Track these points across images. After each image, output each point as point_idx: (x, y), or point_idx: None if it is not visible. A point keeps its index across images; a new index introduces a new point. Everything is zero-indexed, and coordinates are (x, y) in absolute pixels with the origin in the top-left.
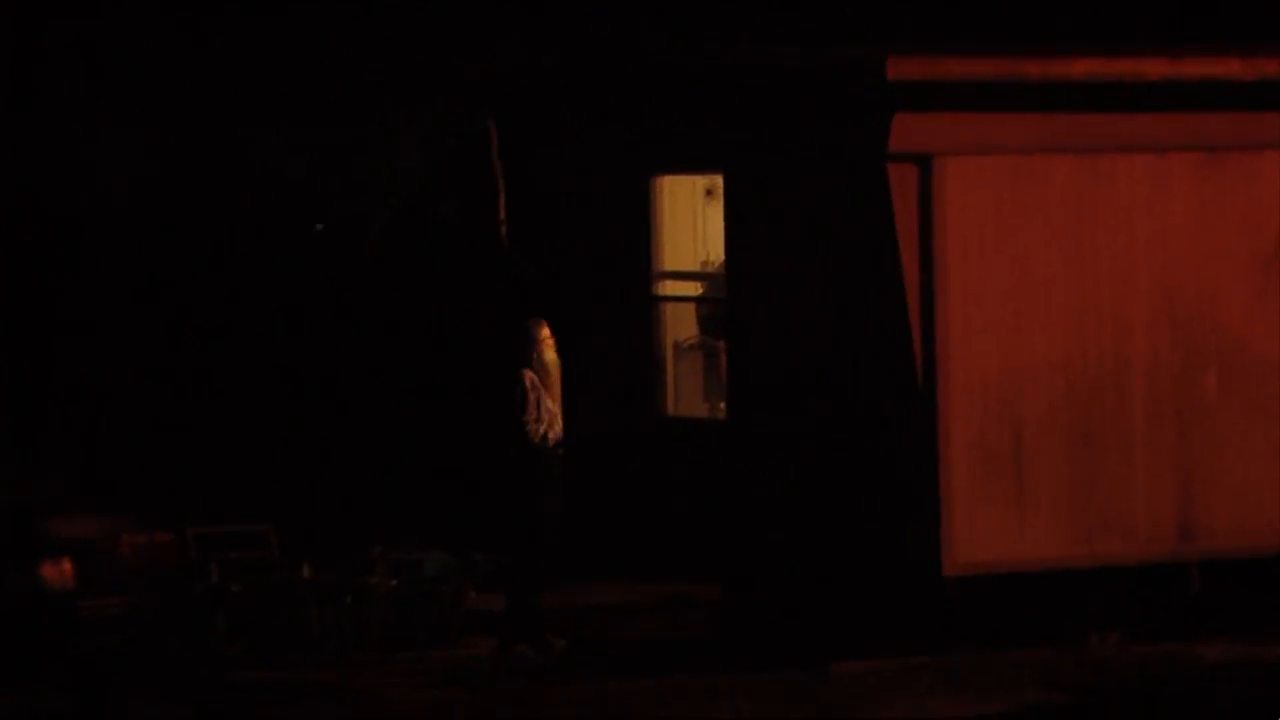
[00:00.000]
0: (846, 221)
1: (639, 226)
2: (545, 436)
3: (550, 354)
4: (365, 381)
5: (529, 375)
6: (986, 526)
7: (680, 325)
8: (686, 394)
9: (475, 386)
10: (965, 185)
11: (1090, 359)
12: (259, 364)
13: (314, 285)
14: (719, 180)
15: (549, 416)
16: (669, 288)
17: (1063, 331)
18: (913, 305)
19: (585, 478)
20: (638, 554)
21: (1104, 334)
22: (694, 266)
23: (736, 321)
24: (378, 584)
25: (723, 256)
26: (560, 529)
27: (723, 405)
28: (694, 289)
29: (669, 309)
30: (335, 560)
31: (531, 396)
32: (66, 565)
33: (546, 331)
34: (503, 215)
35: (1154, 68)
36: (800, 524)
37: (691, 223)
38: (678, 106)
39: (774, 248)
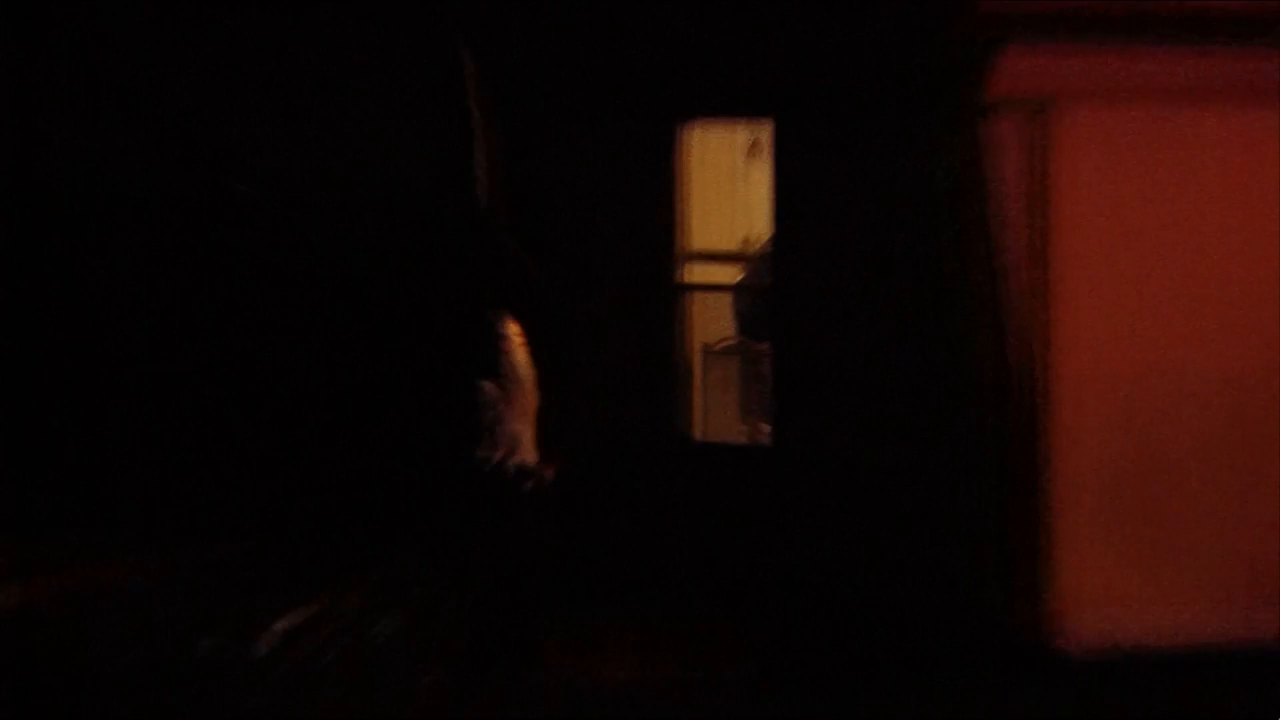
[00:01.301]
0: (931, 187)
1: (659, 192)
2: (504, 465)
3: (521, 357)
4: (276, 388)
5: (487, 387)
6: (1111, 586)
7: (712, 323)
8: (719, 413)
9: (423, 400)
10: (1088, 142)
11: (1252, 370)
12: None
13: (229, 262)
14: (765, 132)
15: (510, 440)
16: (697, 274)
17: (1216, 333)
18: (1016, 295)
19: (584, 524)
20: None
21: (1271, 339)
22: (730, 246)
23: (785, 317)
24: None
25: (768, 233)
26: (526, 604)
27: (766, 428)
28: (730, 275)
29: (697, 302)
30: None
31: (487, 415)
32: None
33: (515, 329)
34: (480, 173)
35: None
36: (862, 580)
37: (728, 188)
38: (713, 32)
39: (836, 220)
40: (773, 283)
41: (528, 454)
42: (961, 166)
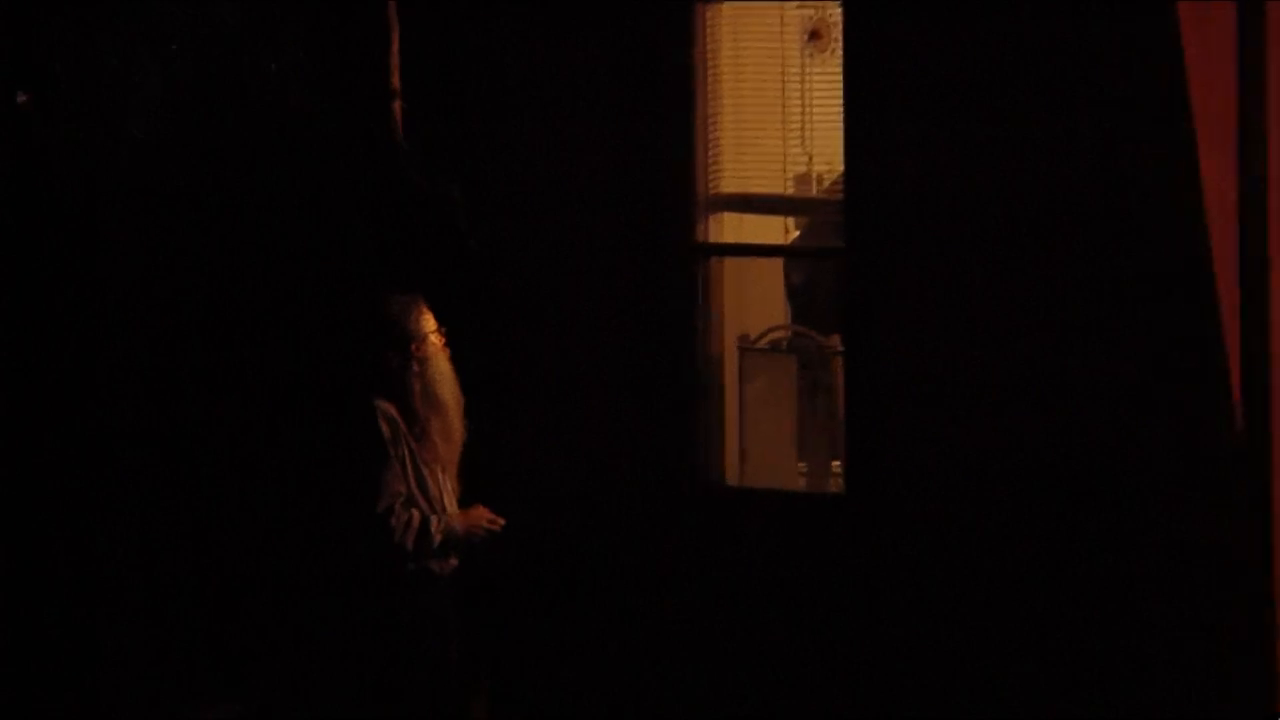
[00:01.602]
0: (1085, 94)
1: (669, 104)
2: (420, 538)
3: (440, 367)
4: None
5: (382, 410)
6: None
7: (752, 306)
8: (764, 443)
9: (294, 428)
10: None
11: None
12: None
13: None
14: (832, 12)
15: (397, 490)
16: (728, 228)
17: None
18: (1221, 259)
19: (545, 619)
20: None
21: None
22: (780, 186)
23: (867, 296)
24: None
25: (838, 167)
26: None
27: (837, 465)
28: (780, 230)
29: (728, 272)
30: None
31: (390, 460)
32: None
33: (430, 321)
34: (396, 87)
35: None
36: (983, 670)
37: (776, 97)
38: None
39: (949, 146)
40: (846, 244)
41: (458, 518)
42: (1140, 67)
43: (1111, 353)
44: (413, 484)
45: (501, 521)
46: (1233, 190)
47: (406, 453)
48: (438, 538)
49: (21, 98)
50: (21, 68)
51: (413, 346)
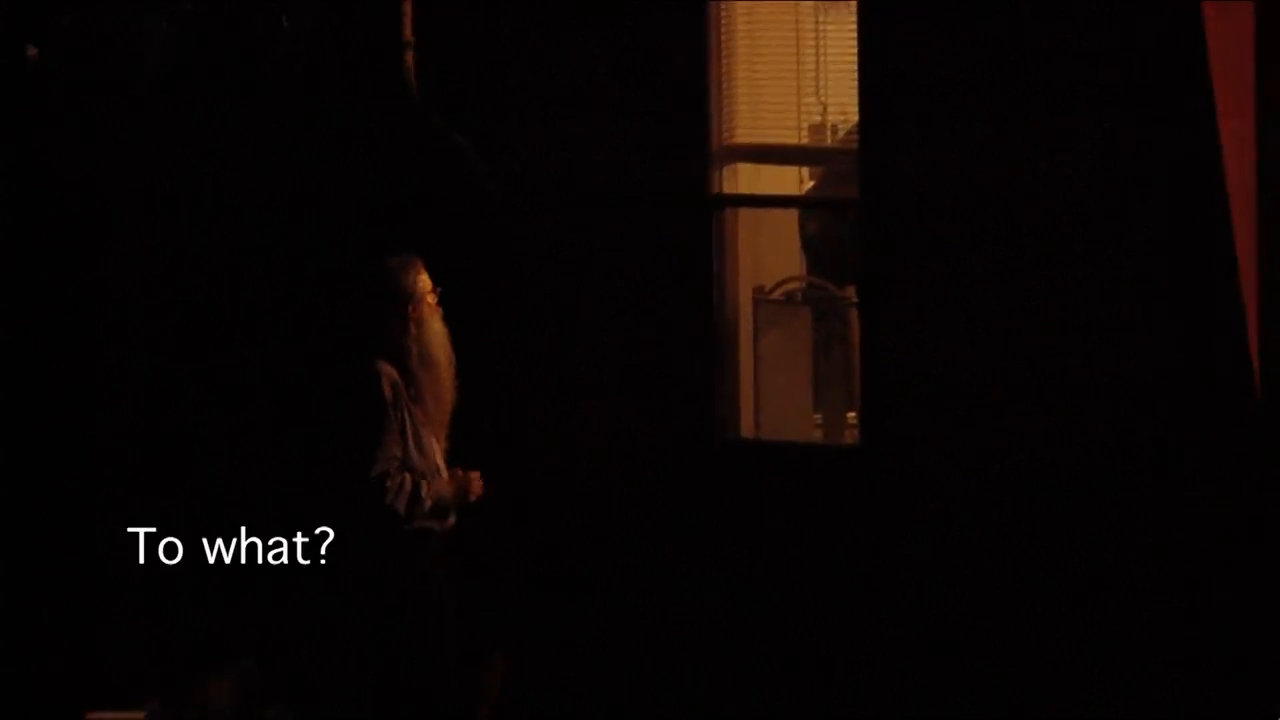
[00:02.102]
0: (1108, 58)
1: (681, 52)
2: (412, 502)
3: (435, 326)
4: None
5: (385, 371)
6: None
7: (767, 256)
8: (779, 396)
9: (295, 393)
10: None
11: None
12: None
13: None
14: None
15: (420, 460)
16: (743, 178)
17: None
18: (1242, 237)
19: (559, 580)
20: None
21: None
22: (795, 138)
23: (882, 248)
24: None
25: (854, 116)
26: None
27: (852, 417)
28: (794, 181)
29: (742, 223)
30: None
31: (390, 422)
32: None
33: (426, 281)
34: (408, 38)
35: None
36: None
37: (791, 46)
38: None
39: (966, 96)
40: (861, 194)
41: (447, 481)
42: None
43: (1134, 316)
44: (411, 446)
45: (481, 485)
46: (1252, 185)
47: (405, 415)
48: (428, 502)
49: (31, 51)
50: (30, 23)
51: (410, 307)
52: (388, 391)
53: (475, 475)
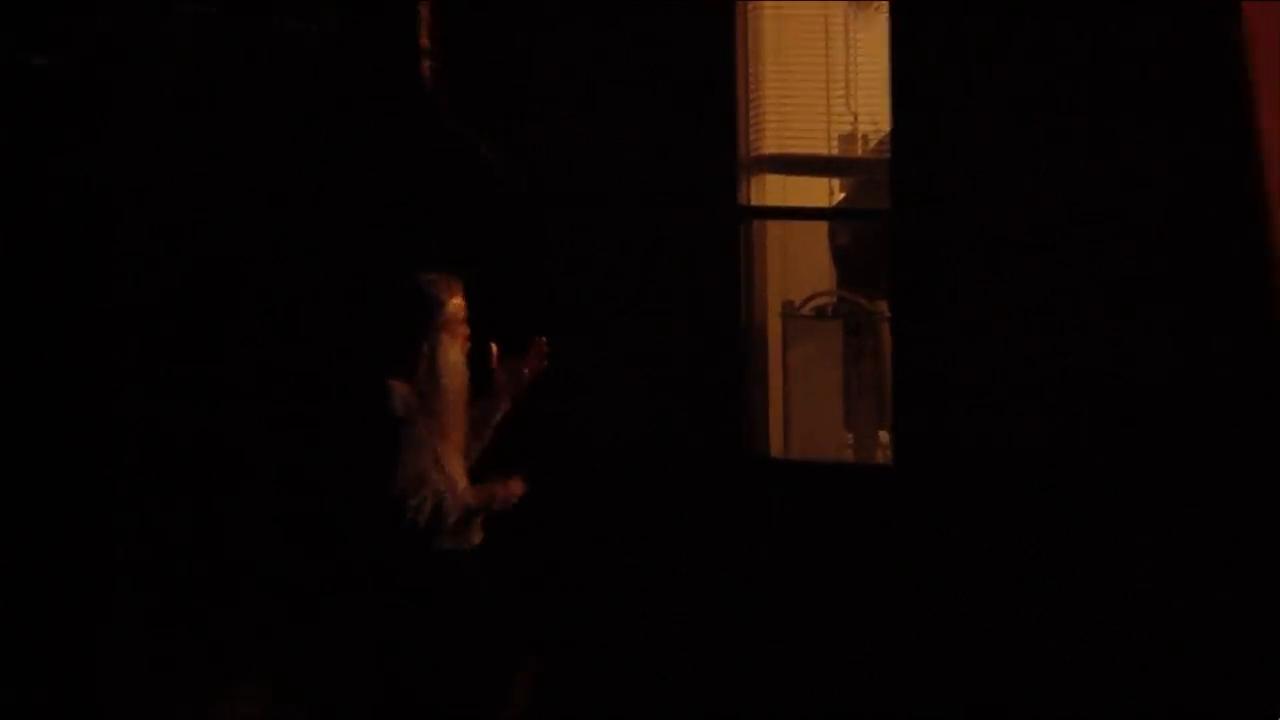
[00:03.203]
0: (1149, 62)
1: (710, 59)
2: (432, 523)
3: (452, 356)
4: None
5: (399, 393)
6: None
7: (797, 269)
8: (809, 413)
9: (315, 412)
10: None
11: None
12: None
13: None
14: None
15: (439, 477)
16: (771, 190)
17: None
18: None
19: (603, 587)
20: None
21: None
22: (825, 147)
23: (916, 260)
24: None
25: (886, 126)
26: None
27: (884, 436)
28: (825, 192)
29: (772, 236)
30: None
31: (410, 438)
32: None
33: (459, 302)
34: (425, 45)
35: None
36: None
37: (821, 55)
38: None
39: (1003, 105)
40: (893, 205)
41: (470, 493)
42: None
43: (1170, 318)
44: (430, 462)
45: (518, 492)
46: None
47: (425, 431)
48: (452, 516)
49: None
50: (40, 28)
51: (440, 318)
52: (402, 408)
53: (516, 481)
